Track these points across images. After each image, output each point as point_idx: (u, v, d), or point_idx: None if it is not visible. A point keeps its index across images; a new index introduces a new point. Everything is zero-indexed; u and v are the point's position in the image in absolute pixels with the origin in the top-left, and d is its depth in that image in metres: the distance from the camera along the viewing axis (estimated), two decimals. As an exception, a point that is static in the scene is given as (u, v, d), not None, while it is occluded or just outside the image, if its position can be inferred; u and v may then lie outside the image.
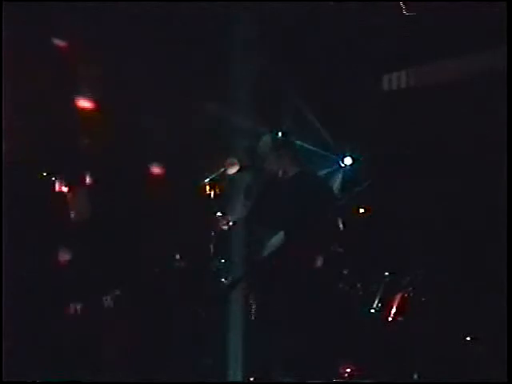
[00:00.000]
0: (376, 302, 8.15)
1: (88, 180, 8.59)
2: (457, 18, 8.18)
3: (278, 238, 7.15)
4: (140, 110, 8.73)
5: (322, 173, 8.72)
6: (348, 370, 7.76)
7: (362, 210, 9.01)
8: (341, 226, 7.27)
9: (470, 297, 7.98)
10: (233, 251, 7.55)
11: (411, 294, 8.09)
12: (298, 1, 8.47)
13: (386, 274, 8.28)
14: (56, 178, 8.40)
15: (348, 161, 9.20)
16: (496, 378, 6.89)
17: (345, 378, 7.71)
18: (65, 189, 8.44)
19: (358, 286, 8.35)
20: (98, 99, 8.66)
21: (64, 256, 8.09)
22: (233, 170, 7.71)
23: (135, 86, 8.56)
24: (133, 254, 8.48)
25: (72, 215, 8.40)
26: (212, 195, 7.81)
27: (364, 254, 8.54)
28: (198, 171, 8.24)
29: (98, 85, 8.54)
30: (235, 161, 7.61)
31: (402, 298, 8.07)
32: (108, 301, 8.19)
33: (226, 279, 8.08)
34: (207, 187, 7.81)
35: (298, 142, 7.92)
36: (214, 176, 7.87)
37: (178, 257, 8.82)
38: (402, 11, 8.16)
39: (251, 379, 7.31)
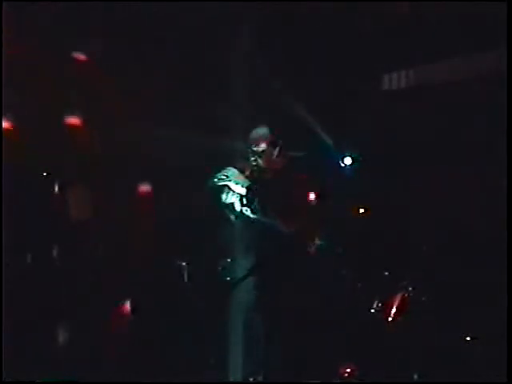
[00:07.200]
0: (376, 301, 8.15)
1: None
2: (457, 18, 8.19)
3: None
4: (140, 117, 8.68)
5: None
6: (348, 370, 7.76)
7: (362, 210, 9.00)
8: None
9: (470, 297, 7.98)
10: (236, 250, 7.55)
11: (411, 294, 8.10)
12: (298, 1, 8.48)
13: (386, 273, 8.29)
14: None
15: (348, 161, 9.19)
16: (496, 378, 6.89)
17: (345, 378, 7.72)
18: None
19: (359, 285, 8.36)
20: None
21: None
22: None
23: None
24: (132, 253, 8.48)
25: (71, 215, 8.40)
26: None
27: (364, 254, 8.54)
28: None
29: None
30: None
31: (402, 297, 8.09)
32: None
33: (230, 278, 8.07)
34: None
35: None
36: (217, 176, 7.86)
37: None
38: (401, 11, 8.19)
39: (251, 379, 7.32)
